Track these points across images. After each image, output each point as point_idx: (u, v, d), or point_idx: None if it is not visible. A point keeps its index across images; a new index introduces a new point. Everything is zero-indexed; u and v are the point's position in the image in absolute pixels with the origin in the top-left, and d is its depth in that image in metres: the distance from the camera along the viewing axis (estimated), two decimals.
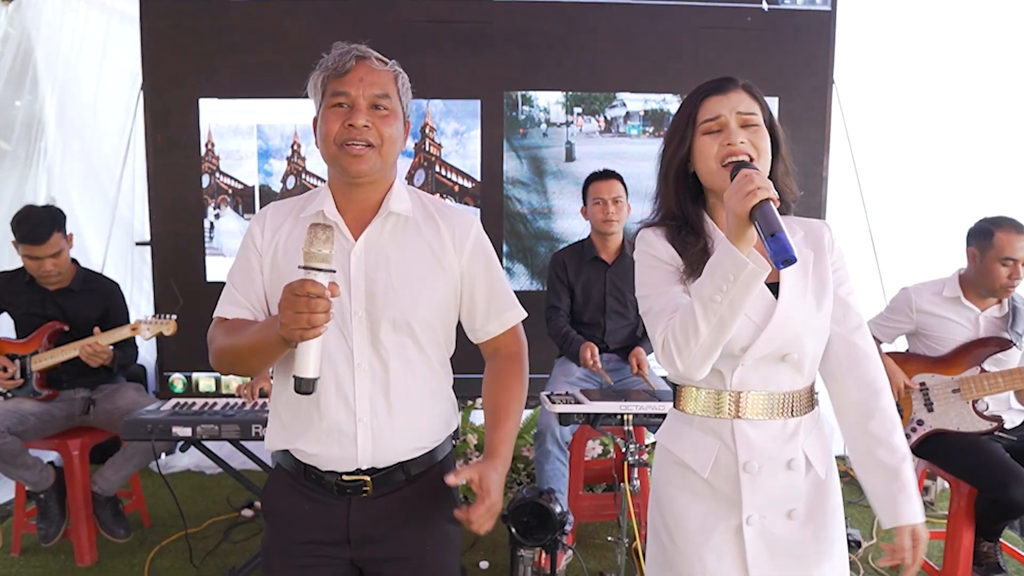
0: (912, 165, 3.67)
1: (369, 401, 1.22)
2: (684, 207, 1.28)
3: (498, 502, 1.18)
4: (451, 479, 1.20)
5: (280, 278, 1.19)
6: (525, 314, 1.39)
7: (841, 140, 3.67)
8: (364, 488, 1.25)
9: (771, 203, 1.04)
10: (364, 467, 1.24)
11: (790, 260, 0.99)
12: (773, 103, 3.66)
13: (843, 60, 3.62)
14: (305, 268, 1.02)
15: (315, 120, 1.29)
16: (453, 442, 1.41)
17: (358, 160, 1.20)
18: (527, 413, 3.54)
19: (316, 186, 3.60)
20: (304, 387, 1.04)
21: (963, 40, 3.65)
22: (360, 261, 1.23)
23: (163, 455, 3.56)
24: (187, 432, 2.24)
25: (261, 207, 3.68)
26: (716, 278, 1.10)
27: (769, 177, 1.24)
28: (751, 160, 1.18)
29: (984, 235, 2.40)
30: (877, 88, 3.70)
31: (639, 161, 3.69)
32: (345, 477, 1.25)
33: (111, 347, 2.68)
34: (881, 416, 1.23)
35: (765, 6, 3.55)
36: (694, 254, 1.23)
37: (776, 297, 1.21)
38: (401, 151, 1.31)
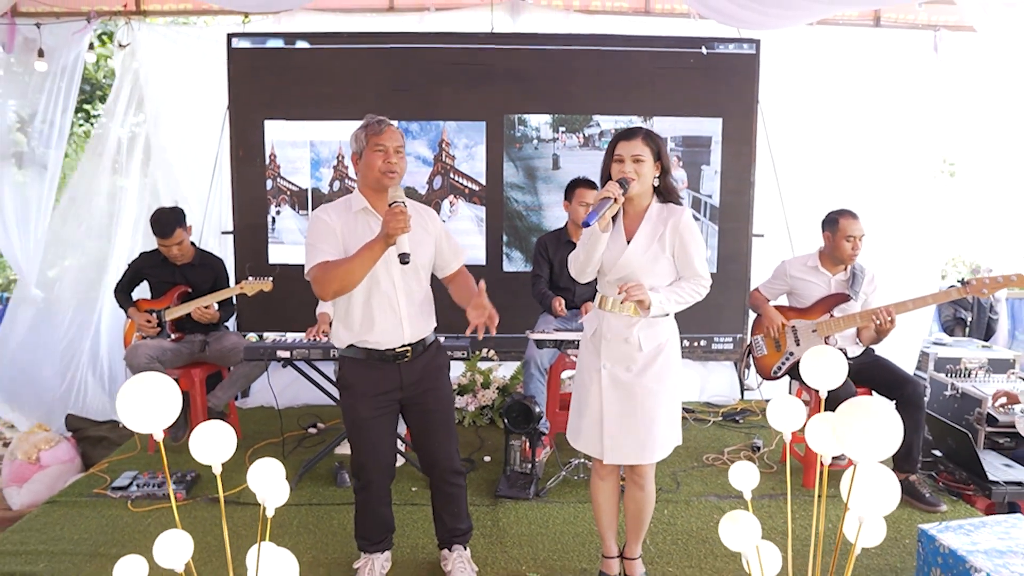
0: (818, 170, 4.73)
1: (406, 306, 2.32)
2: None
3: (493, 310, 2.26)
4: (474, 320, 2.26)
5: (345, 244, 2.25)
6: (467, 255, 2.52)
7: (765, 151, 4.71)
8: (406, 355, 2.35)
9: (609, 199, 2.12)
10: (407, 342, 2.33)
11: (586, 225, 2.09)
12: (717, 123, 4.73)
13: (766, 90, 4.66)
14: (393, 203, 2.10)
15: (356, 155, 2.33)
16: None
17: (392, 182, 2.27)
18: (515, 365, 4.60)
19: (356, 188, 4.69)
20: (406, 258, 2.08)
21: (855, 71, 4.72)
22: None
23: (239, 396, 4.67)
24: (287, 355, 3.30)
25: (312, 205, 4.80)
26: (586, 232, 2.20)
27: (659, 187, 2.30)
28: (632, 180, 2.22)
29: (832, 222, 3.44)
30: (792, 111, 4.74)
31: None
32: (398, 350, 2.33)
33: (217, 310, 3.78)
34: (687, 283, 2.29)
35: (704, 51, 4.60)
36: None
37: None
38: None
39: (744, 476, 1.53)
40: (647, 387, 2.28)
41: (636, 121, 4.73)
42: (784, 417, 1.57)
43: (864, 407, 1.20)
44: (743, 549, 1.44)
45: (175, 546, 1.24)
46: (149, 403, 1.20)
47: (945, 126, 4.79)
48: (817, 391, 1.57)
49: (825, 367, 1.57)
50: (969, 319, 5.24)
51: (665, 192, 2.33)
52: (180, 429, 3.77)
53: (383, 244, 2.11)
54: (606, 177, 2.30)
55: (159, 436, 1.25)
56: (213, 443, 1.30)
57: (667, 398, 2.32)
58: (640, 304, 2.19)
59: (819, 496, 1.47)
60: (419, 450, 2.52)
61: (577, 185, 3.85)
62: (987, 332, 5.25)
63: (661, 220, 2.30)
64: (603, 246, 2.23)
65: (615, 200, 2.14)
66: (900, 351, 4.11)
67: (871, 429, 1.16)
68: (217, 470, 1.36)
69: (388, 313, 2.30)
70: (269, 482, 1.28)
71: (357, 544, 2.55)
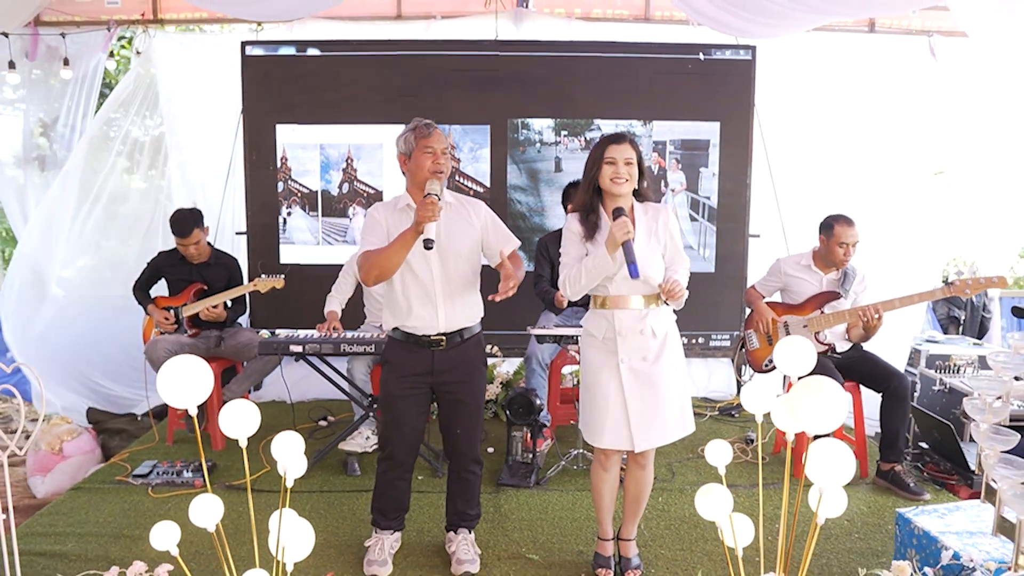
0: (813, 172, 4.86)
1: (442, 294, 2.48)
2: (592, 200, 2.48)
3: (514, 275, 2.40)
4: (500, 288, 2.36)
5: (390, 236, 2.42)
6: (519, 243, 2.62)
7: (761, 154, 4.85)
8: (440, 343, 2.51)
9: (631, 239, 2.25)
10: (441, 331, 2.49)
11: (636, 276, 2.21)
12: (715, 127, 4.87)
13: (763, 94, 4.80)
14: (427, 195, 2.28)
15: (404, 156, 2.50)
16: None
17: (440, 179, 2.43)
18: (518, 361, 4.76)
19: (365, 190, 4.87)
20: (429, 244, 2.24)
21: (851, 76, 4.86)
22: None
23: (252, 390, 4.84)
24: (299, 349, 3.46)
25: (323, 207, 4.96)
26: (593, 261, 2.34)
27: (638, 189, 2.45)
28: (626, 179, 2.38)
29: (828, 227, 3.55)
30: (788, 115, 4.88)
31: None
32: (432, 337, 2.50)
33: (227, 308, 3.95)
34: (680, 271, 2.44)
35: (701, 57, 4.74)
36: (589, 224, 2.45)
37: None
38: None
39: (718, 453, 1.68)
40: (663, 371, 2.43)
41: (636, 125, 4.88)
42: (756, 400, 1.72)
43: (814, 386, 1.35)
44: (716, 518, 1.59)
45: (208, 509, 1.39)
46: (186, 381, 1.36)
47: (940, 129, 4.90)
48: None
49: (795, 355, 1.71)
50: (963, 317, 5.36)
51: (643, 193, 2.49)
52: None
53: (414, 233, 2.29)
54: (592, 178, 2.44)
55: (194, 411, 1.41)
56: (240, 419, 1.46)
57: (678, 377, 2.48)
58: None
59: (788, 469, 1.61)
60: (445, 436, 2.69)
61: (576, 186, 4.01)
62: (981, 330, 5.36)
63: (650, 218, 2.47)
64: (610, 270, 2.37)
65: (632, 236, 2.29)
66: (891, 348, 4.23)
67: (819, 404, 1.31)
68: (243, 444, 1.52)
69: (424, 301, 2.48)
70: (290, 452, 1.44)
71: (372, 519, 2.71)
